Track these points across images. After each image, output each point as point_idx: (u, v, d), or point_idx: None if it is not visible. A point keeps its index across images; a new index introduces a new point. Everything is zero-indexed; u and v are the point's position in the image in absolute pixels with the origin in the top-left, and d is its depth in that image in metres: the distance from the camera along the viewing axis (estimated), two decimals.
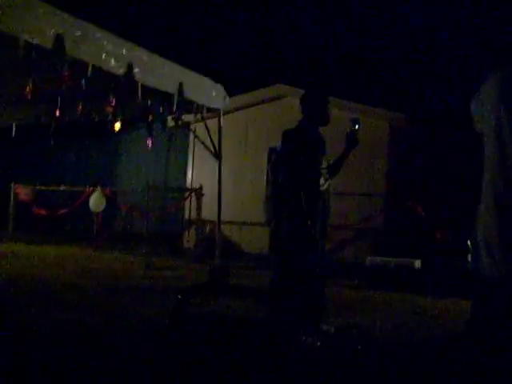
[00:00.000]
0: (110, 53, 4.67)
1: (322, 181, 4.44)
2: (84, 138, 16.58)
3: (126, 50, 4.87)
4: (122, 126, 5.37)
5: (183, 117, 7.20)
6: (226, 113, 8.72)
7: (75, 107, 4.94)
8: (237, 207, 11.58)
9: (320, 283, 4.57)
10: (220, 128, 7.47)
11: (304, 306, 4.45)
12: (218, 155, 7.39)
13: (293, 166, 4.34)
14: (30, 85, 4.31)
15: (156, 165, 17.67)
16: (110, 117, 5.03)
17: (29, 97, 4.24)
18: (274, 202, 4.68)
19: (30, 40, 3.79)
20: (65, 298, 6.30)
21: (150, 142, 5.94)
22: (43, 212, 12.92)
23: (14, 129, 7.50)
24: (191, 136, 11.16)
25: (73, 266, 9.24)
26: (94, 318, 5.33)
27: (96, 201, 11.41)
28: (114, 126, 5.26)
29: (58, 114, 4.70)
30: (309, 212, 4.30)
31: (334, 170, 4.63)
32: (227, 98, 7.26)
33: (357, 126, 4.42)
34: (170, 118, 7.20)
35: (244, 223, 11.36)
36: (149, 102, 5.48)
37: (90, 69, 4.36)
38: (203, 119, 7.02)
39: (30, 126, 8.36)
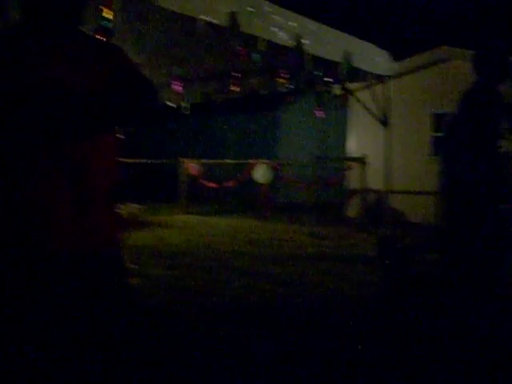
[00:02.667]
0: (280, 26, 4.74)
1: (502, 142, 4.21)
2: (244, 113, 17.06)
3: (295, 21, 4.91)
4: (291, 97, 5.45)
5: (347, 84, 7.15)
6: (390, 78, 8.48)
7: (248, 81, 5.10)
8: (401, 175, 11.30)
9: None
10: (387, 94, 7.30)
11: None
12: (384, 122, 7.23)
13: (471, 126, 4.17)
14: (206, 62, 4.53)
15: (317, 135, 17.77)
16: (280, 88, 5.13)
17: (203, 74, 4.47)
18: (449, 167, 4.50)
19: (208, 19, 3.95)
20: (236, 265, 6.63)
21: (318, 112, 5.97)
22: (211, 185, 13.54)
23: (183, 106, 7.78)
24: (354, 103, 11.03)
25: (241, 235, 9.64)
26: (266, 283, 5.56)
27: (261, 173, 11.75)
28: (286, 97, 5.35)
29: (233, 88, 4.88)
30: (486, 176, 4.10)
31: None
32: (393, 64, 7.08)
33: None
34: (335, 86, 7.19)
35: (409, 191, 11.08)
36: (316, 72, 5.49)
37: (261, 43, 4.46)
38: (368, 86, 6.91)
39: (197, 103, 8.73)
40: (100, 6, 3.09)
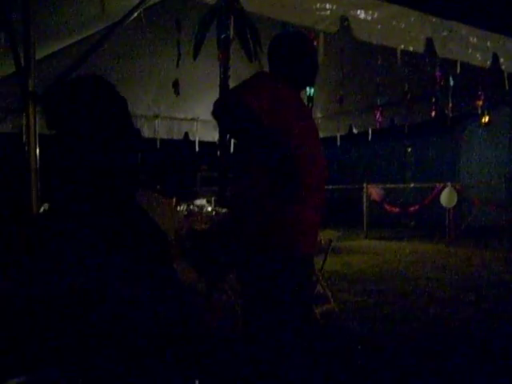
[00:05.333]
0: (476, 47, 4.67)
1: None
2: (425, 137, 16.68)
3: (490, 41, 4.80)
4: (488, 117, 5.28)
5: None
6: None
7: (445, 106, 5.06)
8: None
9: None
10: None
11: None
12: None
13: None
14: (406, 88, 4.60)
15: (504, 153, 16.80)
16: (476, 110, 5.00)
17: (406, 101, 4.55)
18: None
19: (406, 48, 4.03)
20: (429, 291, 6.48)
21: None
22: (394, 209, 13.34)
23: (370, 133, 7.79)
24: None
25: (428, 260, 9.37)
26: (468, 310, 5.39)
27: (448, 196, 11.40)
28: (482, 119, 5.22)
29: (433, 114, 4.88)
30: None
31: None
32: None
33: None
34: None
35: None
36: None
37: (458, 66, 4.42)
38: None
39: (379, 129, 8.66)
40: None
